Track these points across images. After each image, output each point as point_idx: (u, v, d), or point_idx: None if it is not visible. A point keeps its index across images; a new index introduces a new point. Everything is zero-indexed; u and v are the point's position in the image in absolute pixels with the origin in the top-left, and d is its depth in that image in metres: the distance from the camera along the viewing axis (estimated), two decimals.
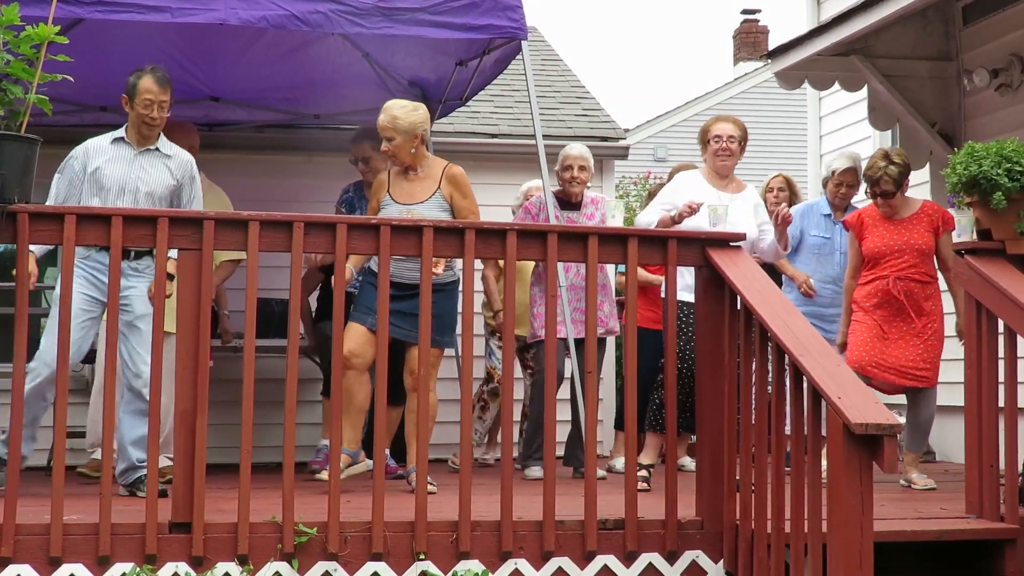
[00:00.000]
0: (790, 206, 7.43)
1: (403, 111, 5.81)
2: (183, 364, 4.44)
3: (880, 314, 6.15)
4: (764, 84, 19.94)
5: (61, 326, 4.40)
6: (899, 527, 4.76)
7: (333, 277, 4.71)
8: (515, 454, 7.61)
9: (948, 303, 6.37)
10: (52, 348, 5.28)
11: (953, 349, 6.14)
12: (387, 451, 6.26)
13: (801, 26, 9.97)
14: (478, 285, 7.56)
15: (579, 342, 6.65)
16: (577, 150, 7.02)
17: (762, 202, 6.48)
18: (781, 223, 6.02)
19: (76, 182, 5.58)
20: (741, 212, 6.11)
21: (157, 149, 5.72)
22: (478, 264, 6.99)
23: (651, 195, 8.10)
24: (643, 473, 5.83)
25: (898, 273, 6.13)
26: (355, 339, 5.69)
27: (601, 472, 6.76)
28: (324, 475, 5.53)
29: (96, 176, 5.57)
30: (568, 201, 6.93)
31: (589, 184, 7.08)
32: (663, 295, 6.48)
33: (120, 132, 5.72)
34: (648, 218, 6.16)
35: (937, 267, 6.28)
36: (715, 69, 47.43)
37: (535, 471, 6.55)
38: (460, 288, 5.76)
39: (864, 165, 6.42)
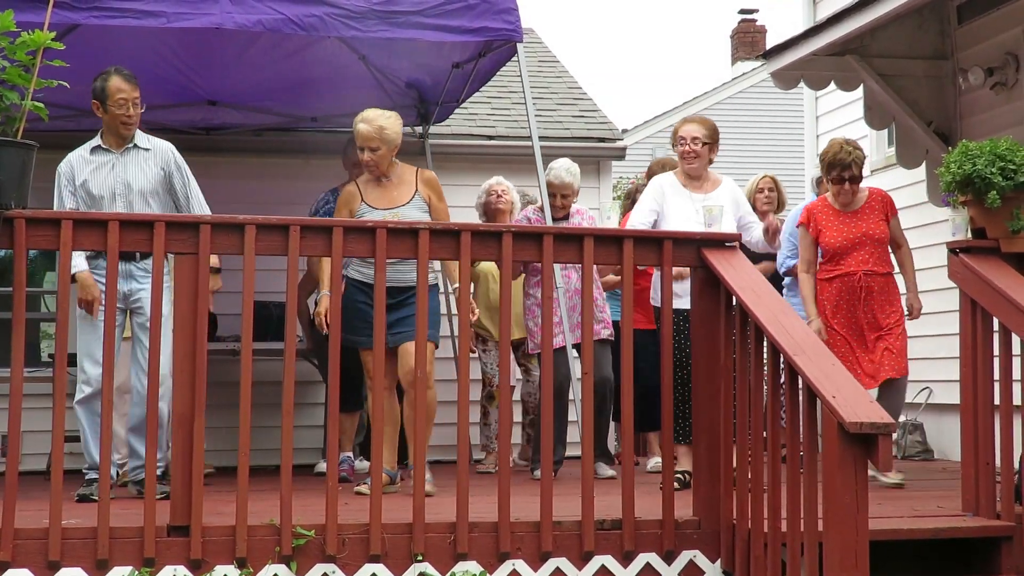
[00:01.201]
0: (778, 207, 7.48)
1: (388, 121, 5.84)
2: (181, 367, 4.45)
3: (844, 322, 6.16)
4: (762, 84, 19.96)
5: (59, 328, 4.41)
6: (895, 525, 4.78)
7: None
8: (515, 455, 7.70)
9: (942, 303, 6.36)
10: (91, 365, 5.45)
11: (950, 347, 6.15)
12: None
13: (798, 26, 9.99)
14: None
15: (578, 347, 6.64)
16: (560, 178, 6.94)
17: (742, 194, 6.45)
18: (772, 236, 6.08)
19: (70, 195, 5.61)
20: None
21: (135, 146, 5.73)
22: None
23: (627, 196, 8.11)
24: (679, 477, 5.82)
25: (864, 268, 6.17)
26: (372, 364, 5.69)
27: (611, 472, 6.79)
28: (364, 488, 5.55)
29: (86, 188, 5.61)
30: (553, 216, 6.88)
31: (575, 200, 7.09)
32: (651, 299, 6.49)
33: (96, 140, 5.74)
34: (641, 220, 6.13)
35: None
36: (713, 69, 47.48)
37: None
38: (440, 291, 5.86)
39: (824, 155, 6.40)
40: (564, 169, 6.99)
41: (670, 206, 6.11)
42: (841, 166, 6.20)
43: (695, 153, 6.18)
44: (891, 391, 6.25)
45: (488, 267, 7.53)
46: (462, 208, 7.82)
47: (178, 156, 5.81)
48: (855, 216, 6.25)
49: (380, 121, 5.82)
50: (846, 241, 6.20)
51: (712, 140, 6.23)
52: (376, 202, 5.86)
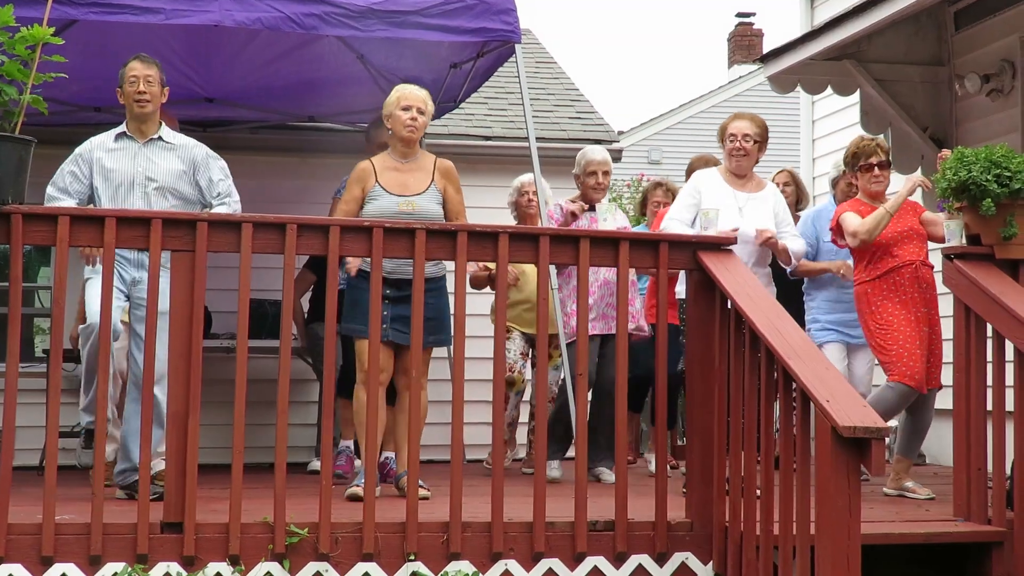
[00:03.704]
0: (797, 202, 7.30)
1: (430, 98, 5.83)
2: (176, 365, 4.46)
3: (913, 317, 5.81)
4: (758, 87, 19.98)
5: (54, 324, 4.42)
6: (887, 529, 4.80)
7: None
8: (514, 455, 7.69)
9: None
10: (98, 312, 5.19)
11: (943, 353, 6.16)
12: (392, 454, 6.18)
13: (795, 30, 10.01)
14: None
15: (605, 338, 6.60)
16: (600, 155, 6.86)
17: (784, 204, 6.29)
18: (763, 244, 5.94)
19: (83, 178, 5.52)
20: (759, 211, 6.02)
21: (160, 138, 5.63)
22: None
23: (644, 196, 8.06)
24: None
25: (921, 260, 5.91)
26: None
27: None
28: (358, 490, 5.33)
29: (104, 173, 5.52)
30: (593, 198, 6.79)
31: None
32: (675, 291, 6.43)
33: (122, 127, 5.65)
34: (676, 215, 6.03)
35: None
36: (710, 72, 47.50)
37: (552, 472, 6.38)
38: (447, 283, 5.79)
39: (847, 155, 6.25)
40: (600, 148, 6.96)
41: (710, 203, 5.91)
42: (867, 153, 6.05)
43: (744, 151, 6.06)
44: (925, 404, 5.99)
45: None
46: None
47: (207, 151, 5.67)
48: (896, 215, 5.96)
49: (423, 92, 5.80)
50: (897, 233, 5.91)
51: (762, 139, 6.10)
52: (391, 187, 5.68)
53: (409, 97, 5.74)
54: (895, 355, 5.77)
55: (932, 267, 6.00)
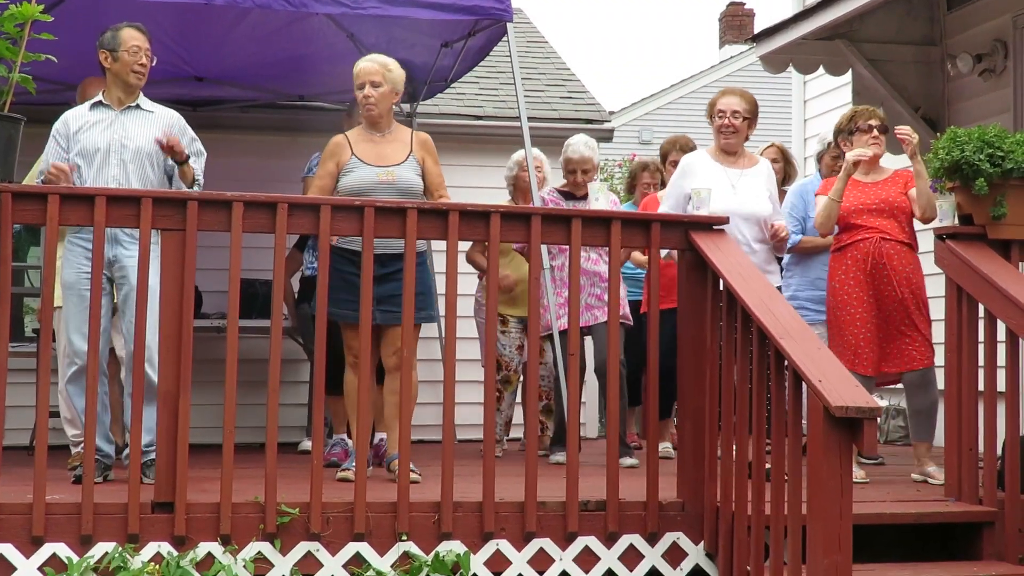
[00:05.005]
0: (785, 177, 7.20)
1: (392, 62, 5.59)
2: (166, 344, 4.45)
3: (867, 300, 5.72)
4: (750, 67, 19.95)
5: (44, 304, 4.40)
6: (878, 509, 4.81)
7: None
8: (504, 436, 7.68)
9: (928, 290, 6.30)
10: (79, 339, 5.24)
11: (935, 333, 6.16)
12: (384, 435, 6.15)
13: (786, 10, 9.99)
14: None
15: (589, 328, 6.53)
16: (579, 152, 6.67)
17: (775, 183, 6.14)
18: (779, 241, 5.89)
19: (62, 153, 5.48)
20: (752, 187, 5.91)
21: (138, 106, 5.54)
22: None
23: (632, 177, 8.01)
24: None
25: (881, 234, 5.74)
26: (355, 339, 5.32)
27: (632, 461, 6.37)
28: (348, 473, 5.30)
29: (80, 144, 5.43)
30: (573, 194, 6.71)
31: (595, 176, 6.82)
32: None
33: (98, 97, 5.55)
34: (674, 205, 5.90)
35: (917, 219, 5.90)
36: (701, 52, 47.53)
37: (559, 456, 6.31)
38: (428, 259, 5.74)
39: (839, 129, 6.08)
40: (583, 143, 6.73)
41: (701, 183, 5.71)
42: (865, 115, 5.91)
43: (733, 127, 5.93)
44: (922, 385, 5.85)
45: (509, 246, 7.25)
46: (449, 188, 7.77)
47: (186, 126, 5.61)
48: (875, 186, 5.89)
49: (383, 59, 5.57)
50: (861, 205, 5.78)
51: (752, 115, 5.98)
52: (368, 158, 5.52)
53: (361, 74, 5.54)
54: (845, 343, 5.68)
55: (903, 242, 5.81)
